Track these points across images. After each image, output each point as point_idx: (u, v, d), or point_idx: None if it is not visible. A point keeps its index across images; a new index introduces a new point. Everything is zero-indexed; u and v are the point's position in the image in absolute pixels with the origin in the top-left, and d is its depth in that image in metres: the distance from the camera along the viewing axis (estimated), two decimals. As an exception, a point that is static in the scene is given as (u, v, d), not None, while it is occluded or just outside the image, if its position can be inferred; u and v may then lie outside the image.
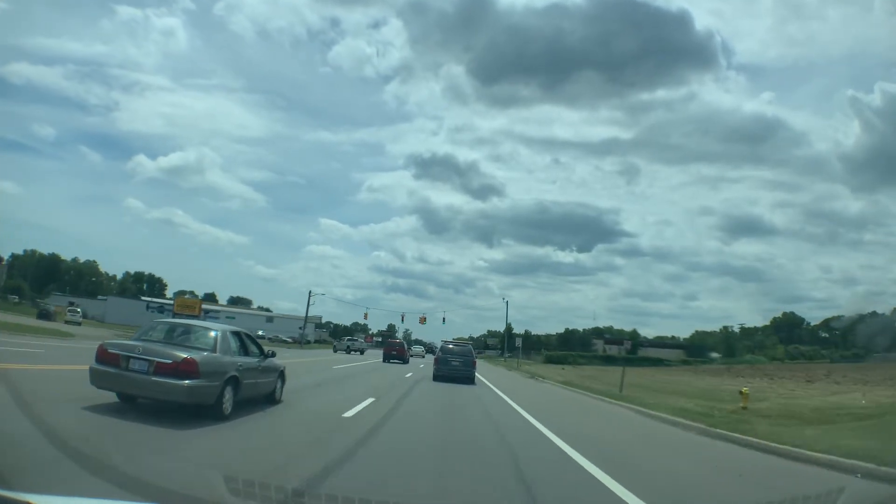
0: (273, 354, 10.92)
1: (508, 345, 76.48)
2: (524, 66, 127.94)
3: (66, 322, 45.72)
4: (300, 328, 72.33)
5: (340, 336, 70.65)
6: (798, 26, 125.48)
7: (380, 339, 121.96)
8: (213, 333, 9.14)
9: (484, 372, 33.17)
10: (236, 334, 9.84)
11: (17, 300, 73.89)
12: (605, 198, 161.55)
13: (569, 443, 9.17)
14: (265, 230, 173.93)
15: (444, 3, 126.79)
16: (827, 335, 77.40)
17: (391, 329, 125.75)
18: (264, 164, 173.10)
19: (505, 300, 74.54)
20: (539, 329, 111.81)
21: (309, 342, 74.77)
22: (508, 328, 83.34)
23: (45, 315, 47.65)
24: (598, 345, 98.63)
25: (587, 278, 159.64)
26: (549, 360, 71.50)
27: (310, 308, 70.60)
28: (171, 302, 68.49)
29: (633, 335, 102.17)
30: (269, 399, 10.71)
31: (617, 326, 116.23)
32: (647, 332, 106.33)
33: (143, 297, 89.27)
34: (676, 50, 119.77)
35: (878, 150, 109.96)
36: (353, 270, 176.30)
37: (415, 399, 15.25)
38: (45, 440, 5.79)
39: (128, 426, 7.33)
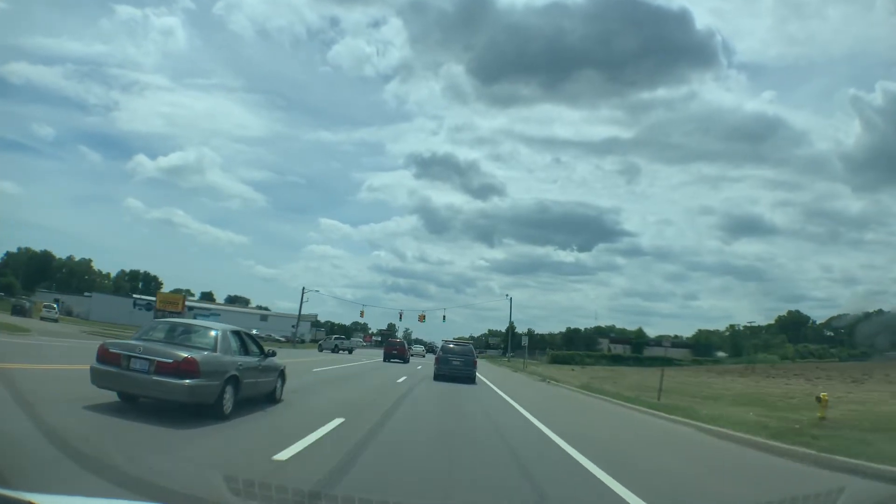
0: (273, 354, 11.13)
1: (512, 344, 76.33)
2: (524, 65, 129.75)
3: (42, 318, 45.78)
4: (293, 326, 70.60)
5: (337, 335, 67.90)
6: (799, 25, 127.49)
7: (379, 339, 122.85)
8: (213, 333, 9.35)
9: (488, 374, 32.15)
10: (236, 334, 10.06)
11: (1, 296, 74.11)
12: (605, 197, 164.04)
13: (635, 490, 6.30)
14: (265, 230, 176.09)
15: (443, 3, 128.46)
16: (832, 334, 77.61)
17: (391, 328, 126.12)
18: (264, 164, 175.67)
19: (508, 297, 73.94)
20: (540, 328, 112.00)
21: (303, 341, 74.68)
22: (511, 327, 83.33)
23: (19, 311, 47.26)
24: (604, 344, 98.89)
25: (588, 278, 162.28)
26: (555, 360, 70.31)
27: (310, 308, 70.76)
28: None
29: (639, 334, 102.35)
30: (270, 398, 10.95)
31: (618, 326, 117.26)
32: (649, 332, 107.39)
33: (134, 295, 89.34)
34: (677, 49, 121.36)
35: (879, 150, 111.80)
36: (354, 270, 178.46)
37: (404, 418, 11.16)
38: (45, 440, 5.91)
39: (128, 425, 7.50)
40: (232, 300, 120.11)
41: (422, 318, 58.30)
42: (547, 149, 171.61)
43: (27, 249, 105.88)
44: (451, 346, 26.16)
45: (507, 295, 75.08)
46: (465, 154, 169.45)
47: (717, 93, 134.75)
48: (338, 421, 9.32)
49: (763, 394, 24.56)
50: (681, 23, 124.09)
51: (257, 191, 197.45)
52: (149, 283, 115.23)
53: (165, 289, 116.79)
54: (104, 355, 8.36)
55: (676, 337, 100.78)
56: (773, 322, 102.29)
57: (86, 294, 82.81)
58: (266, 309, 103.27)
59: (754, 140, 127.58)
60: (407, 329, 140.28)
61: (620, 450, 9.94)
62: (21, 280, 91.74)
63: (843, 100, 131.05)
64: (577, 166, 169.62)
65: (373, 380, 22.09)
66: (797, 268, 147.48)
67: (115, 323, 54.19)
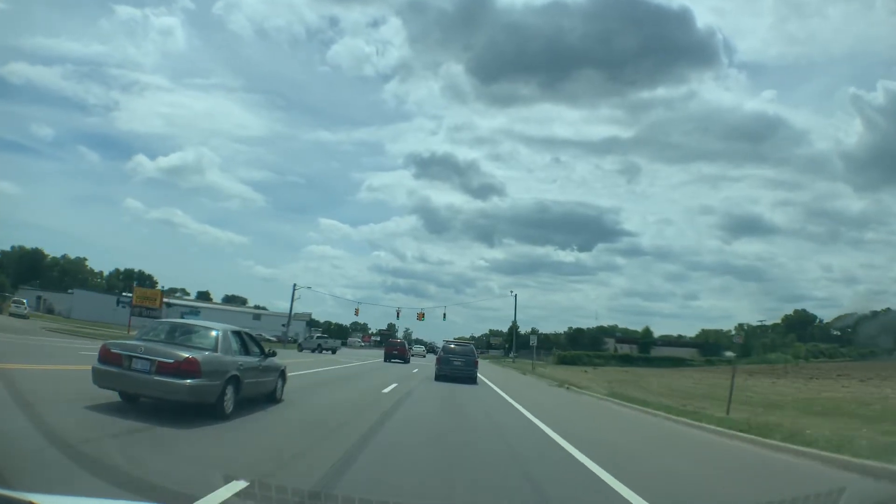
0: (274, 354, 11.45)
1: (516, 344, 76.19)
2: (524, 64, 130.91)
3: (11, 315, 45.94)
4: (283, 325, 68.52)
5: (320, 334, 65.49)
6: (799, 24, 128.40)
7: (378, 339, 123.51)
8: (214, 333, 9.65)
9: (494, 377, 30.07)
10: (237, 334, 10.38)
11: None
12: (605, 197, 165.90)
13: None
14: (265, 230, 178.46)
15: (443, 2, 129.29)
16: (838, 333, 77.83)
17: (391, 328, 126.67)
18: (264, 164, 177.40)
19: (513, 294, 70.92)
20: (540, 328, 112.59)
21: (295, 341, 74.66)
22: (514, 326, 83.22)
23: None
24: (609, 344, 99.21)
25: (588, 278, 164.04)
26: (562, 361, 68.79)
27: (309, 307, 70.81)
28: (169, 302, 68.89)
29: (646, 333, 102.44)
30: (271, 398, 11.27)
31: (620, 326, 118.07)
32: (636, 329, 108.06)
33: (122, 293, 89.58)
34: (677, 48, 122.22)
35: (879, 149, 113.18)
36: (354, 270, 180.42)
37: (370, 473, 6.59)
38: (45, 439, 6.16)
39: (129, 425, 7.73)
40: (229, 300, 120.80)
41: (420, 317, 58.28)
42: (546, 148, 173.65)
43: (20, 248, 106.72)
44: (453, 346, 26.76)
45: (511, 292, 73.50)
46: (464, 154, 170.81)
47: (717, 92, 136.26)
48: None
49: (827, 399, 21.92)
50: (681, 22, 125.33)
51: (257, 191, 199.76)
52: (143, 282, 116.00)
53: (160, 288, 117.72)
54: (106, 355, 8.65)
55: (680, 336, 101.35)
56: (779, 321, 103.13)
57: (69, 291, 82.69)
58: (263, 308, 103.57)
59: (755, 139, 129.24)
60: (407, 329, 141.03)
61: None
62: (11, 278, 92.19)
63: (843, 99, 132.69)
64: (576, 166, 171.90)
65: (345, 391, 16.97)
66: (797, 267, 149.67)
67: (96, 321, 53.29)
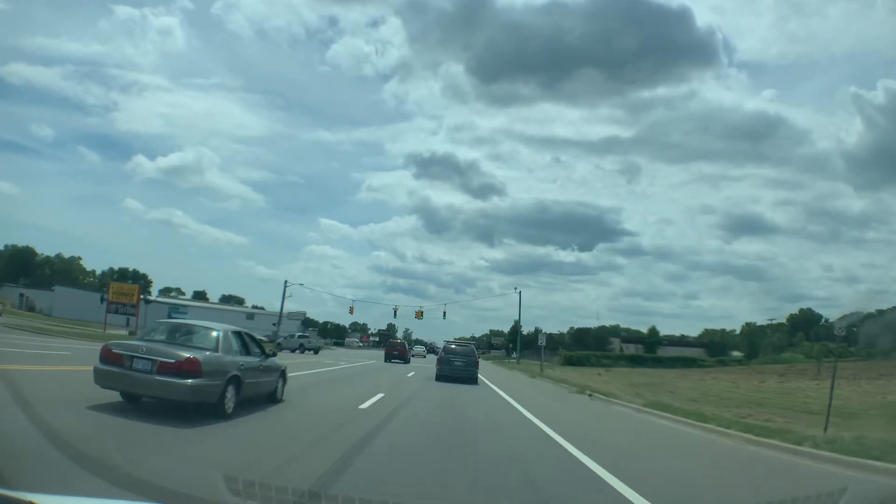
0: (274, 354, 11.73)
1: (518, 344, 75.82)
2: (524, 64, 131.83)
3: None
4: (273, 324, 66.38)
5: (301, 333, 62.51)
6: (799, 23, 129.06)
7: (377, 339, 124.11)
8: (215, 333, 9.90)
9: (502, 382, 27.75)
10: (238, 334, 10.64)
11: None
12: (605, 197, 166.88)
13: None
14: (264, 230, 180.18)
15: (442, 2, 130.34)
16: (843, 332, 78.12)
17: (390, 328, 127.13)
18: (263, 164, 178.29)
19: (517, 291, 68.53)
20: (541, 328, 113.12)
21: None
22: (517, 326, 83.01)
23: None
24: (614, 343, 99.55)
25: (588, 278, 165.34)
26: (568, 362, 67.05)
27: (309, 307, 70.63)
28: (148, 298, 68.60)
29: (652, 333, 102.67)
30: (271, 398, 11.54)
31: (622, 326, 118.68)
32: (641, 329, 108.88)
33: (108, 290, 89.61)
34: (677, 47, 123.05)
35: (880, 148, 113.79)
36: (353, 270, 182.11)
37: None
38: (46, 439, 6.30)
39: (130, 425, 7.97)
40: (226, 300, 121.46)
41: (419, 315, 57.93)
42: (547, 148, 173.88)
43: (13, 247, 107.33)
44: (453, 346, 27.22)
45: (515, 289, 72.07)
46: (464, 154, 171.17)
47: (717, 91, 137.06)
48: None
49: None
50: (681, 21, 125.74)
51: (256, 191, 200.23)
52: (138, 281, 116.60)
53: (155, 288, 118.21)
54: (107, 356, 8.89)
55: (683, 336, 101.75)
56: (784, 321, 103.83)
57: (54, 288, 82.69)
58: (261, 308, 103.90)
59: (755, 139, 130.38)
60: (407, 329, 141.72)
61: None
62: (1, 276, 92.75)
63: (844, 98, 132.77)
64: (577, 166, 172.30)
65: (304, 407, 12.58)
66: (798, 267, 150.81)
67: (78, 319, 52.28)
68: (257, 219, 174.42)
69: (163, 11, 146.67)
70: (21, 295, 76.64)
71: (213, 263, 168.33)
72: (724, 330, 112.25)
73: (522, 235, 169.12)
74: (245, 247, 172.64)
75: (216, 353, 9.41)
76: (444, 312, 61.19)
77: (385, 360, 42.88)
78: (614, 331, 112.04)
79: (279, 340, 53.14)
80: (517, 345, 71.65)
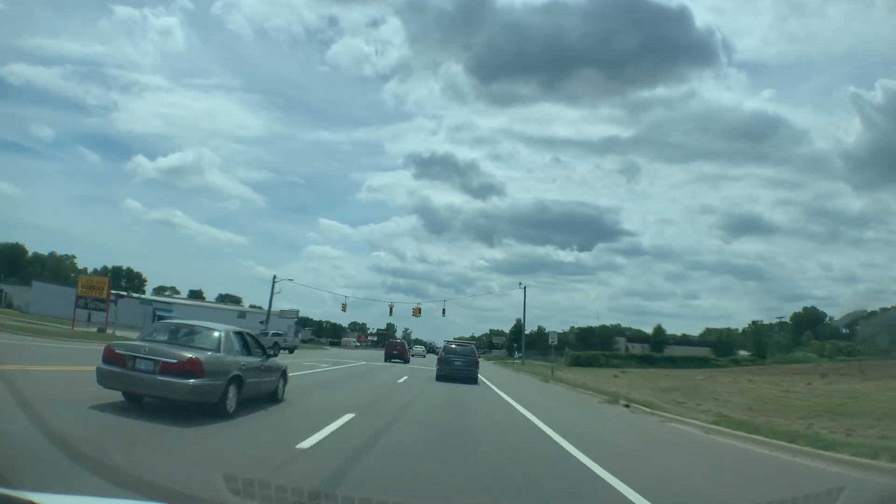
0: (276, 354, 12.04)
1: (520, 343, 75.29)
2: (524, 64, 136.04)
3: None
4: (261, 322, 64.66)
5: (276, 331, 60.58)
6: (799, 23, 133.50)
7: (376, 339, 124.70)
8: (216, 334, 10.24)
9: (512, 388, 24.71)
10: (239, 334, 10.99)
11: None
12: (605, 196, 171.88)
13: None
14: (265, 230, 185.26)
15: (442, 2, 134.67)
16: (847, 331, 78.51)
17: (389, 328, 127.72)
18: (263, 164, 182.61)
19: (522, 286, 67.11)
20: (542, 328, 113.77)
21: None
22: (519, 325, 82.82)
23: None
24: (620, 343, 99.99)
25: (588, 277, 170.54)
26: (576, 362, 65.76)
27: (309, 308, 70.29)
28: (121, 293, 67.40)
29: (658, 332, 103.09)
30: (272, 398, 11.90)
31: (623, 325, 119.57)
32: (651, 331, 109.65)
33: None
34: (677, 47, 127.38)
35: (879, 148, 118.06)
36: (354, 271, 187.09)
37: None
38: (47, 439, 6.42)
39: (132, 424, 8.24)
40: (223, 299, 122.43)
41: (417, 312, 57.70)
42: (546, 148, 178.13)
43: (2, 244, 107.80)
44: (454, 346, 27.83)
45: (520, 284, 70.66)
46: (464, 154, 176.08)
47: (716, 91, 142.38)
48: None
49: None
50: (680, 21, 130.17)
51: (256, 191, 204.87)
52: (132, 279, 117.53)
53: (150, 286, 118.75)
54: (110, 356, 9.22)
55: (685, 335, 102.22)
56: (788, 320, 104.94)
57: (32, 284, 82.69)
58: (258, 308, 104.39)
59: (754, 139, 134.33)
60: (406, 329, 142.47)
61: None
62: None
63: (843, 98, 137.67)
64: (576, 166, 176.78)
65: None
66: (798, 267, 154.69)
67: (56, 316, 50.51)
68: (257, 219, 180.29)
69: (163, 11, 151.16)
70: (0, 291, 76.88)
71: (213, 263, 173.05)
72: (729, 329, 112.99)
73: (522, 235, 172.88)
74: (245, 247, 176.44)
75: (218, 354, 9.73)
76: (444, 310, 61.10)
77: (385, 360, 43.66)
78: (616, 330, 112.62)
79: None
80: (521, 344, 70.72)
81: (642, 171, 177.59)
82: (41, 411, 7.78)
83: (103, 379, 9.21)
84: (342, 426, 10.01)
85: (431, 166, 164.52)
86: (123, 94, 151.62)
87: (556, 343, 46.14)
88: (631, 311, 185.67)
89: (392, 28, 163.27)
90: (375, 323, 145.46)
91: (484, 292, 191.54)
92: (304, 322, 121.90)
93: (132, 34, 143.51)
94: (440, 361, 26.44)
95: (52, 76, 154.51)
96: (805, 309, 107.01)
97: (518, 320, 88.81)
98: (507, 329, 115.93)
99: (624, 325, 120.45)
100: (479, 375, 26.91)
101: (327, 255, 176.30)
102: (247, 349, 10.91)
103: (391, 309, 59.46)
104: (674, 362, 71.38)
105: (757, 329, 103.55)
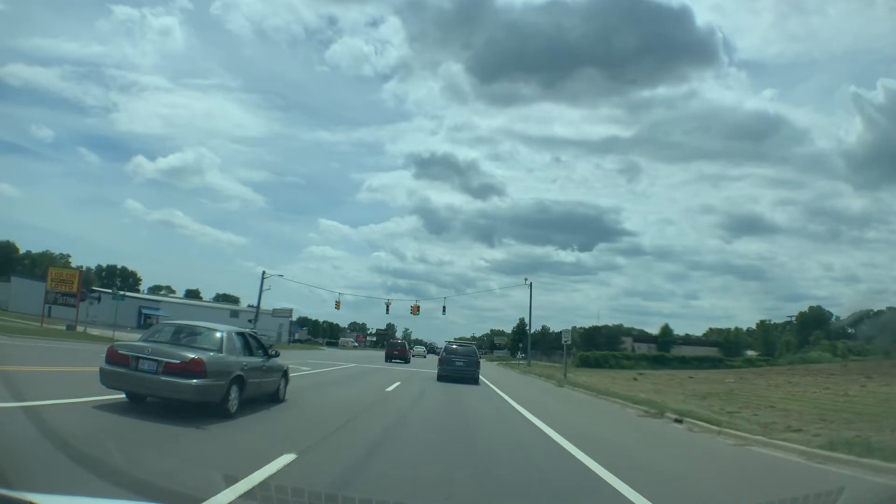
0: (277, 355, 12.37)
1: (523, 343, 74.83)
2: (524, 63, 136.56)
3: None
4: (249, 320, 62.71)
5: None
6: (799, 22, 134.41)
7: (374, 339, 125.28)
8: (218, 334, 10.56)
9: (519, 392, 23.35)
10: (241, 335, 11.32)
11: None
12: (605, 196, 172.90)
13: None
14: (265, 231, 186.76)
15: (442, 1, 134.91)
16: (853, 330, 78.85)
17: (389, 328, 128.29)
18: (263, 165, 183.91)
19: (528, 282, 64.35)
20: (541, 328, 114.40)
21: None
22: (522, 324, 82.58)
23: None
24: (626, 343, 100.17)
25: (588, 278, 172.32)
26: (585, 363, 64.07)
27: (309, 308, 70.01)
28: (107, 291, 67.89)
29: (665, 332, 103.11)
30: (274, 398, 12.23)
31: (625, 325, 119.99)
32: (651, 331, 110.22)
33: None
34: (677, 46, 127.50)
35: (880, 147, 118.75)
36: (354, 271, 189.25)
37: None
38: (48, 440, 6.61)
39: (135, 424, 8.50)
40: (220, 298, 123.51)
41: (415, 310, 57.53)
42: (547, 148, 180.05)
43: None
44: (455, 346, 28.25)
45: (525, 279, 69.33)
46: (464, 154, 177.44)
47: (717, 91, 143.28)
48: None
49: None
50: (681, 20, 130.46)
51: (256, 191, 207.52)
52: (127, 278, 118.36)
53: (145, 285, 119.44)
54: (113, 357, 9.53)
55: (687, 335, 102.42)
56: (793, 319, 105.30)
57: (11, 279, 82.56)
58: (253, 307, 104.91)
59: (755, 138, 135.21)
60: (406, 329, 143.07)
61: None
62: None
63: (844, 97, 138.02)
64: (577, 166, 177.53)
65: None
66: (798, 266, 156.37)
67: (33, 313, 47.84)
68: (257, 219, 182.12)
69: (162, 11, 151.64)
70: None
71: (213, 263, 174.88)
72: (738, 329, 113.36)
73: (522, 235, 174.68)
74: (245, 247, 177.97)
75: (220, 354, 10.04)
76: (444, 307, 60.55)
77: (386, 361, 44.23)
78: (622, 330, 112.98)
79: None
80: (527, 344, 68.65)
81: (643, 170, 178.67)
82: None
83: (107, 379, 9.51)
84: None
85: (431, 166, 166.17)
86: (123, 95, 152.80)
87: (569, 342, 43.14)
88: (631, 311, 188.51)
89: (391, 27, 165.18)
90: (375, 323, 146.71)
91: (483, 293, 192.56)
92: (302, 322, 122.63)
93: (131, 34, 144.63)
94: (441, 362, 26.95)
95: (51, 76, 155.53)
96: (811, 308, 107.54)
97: (521, 319, 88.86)
98: (508, 329, 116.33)
99: (625, 325, 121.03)
100: (486, 380, 27.26)
101: (328, 255, 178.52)
102: (249, 349, 11.21)
103: (388, 306, 59.31)
104: (686, 363, 70.48)
105: (765, 329, 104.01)
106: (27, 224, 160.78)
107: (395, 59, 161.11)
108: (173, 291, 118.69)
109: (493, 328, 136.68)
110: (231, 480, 5.59)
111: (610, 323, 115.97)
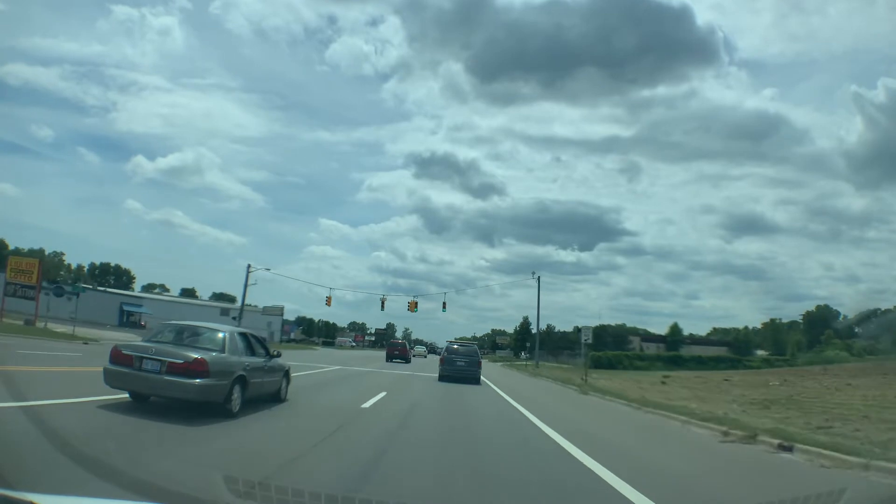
0: (279, 355, 12.74)
1: (527, 343, 73.79)
2: (524, 63, 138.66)
3: None
4: (233, 318, 60.86)
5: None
6: (799, 21, 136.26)
7: (373, 339, 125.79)
8: (221, 335, 10.91)
9: (534, 401, 19.73)
10: (243, 335, 11.68)
11: None
12: (606, 196, 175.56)
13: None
14: (265, 231, 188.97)
15: (442, 1, 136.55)
16: (860, 329, 79.12)
17: (390, 328, 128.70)
18: (263, 165, 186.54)
19: (536, 276, 60.25)
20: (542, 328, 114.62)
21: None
22: (525, 323, 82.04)
23: None
24: (634, 342, 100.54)
25: (589, 277, 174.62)
26: (597, 364, 58.89)
27: (309, 308, 69.55)
28: (89, 287, 66.84)
29: (674, 331, 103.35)
30: (275, 398, 12.60)
31: (627, 325, 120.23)
32: (652, 331, 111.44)
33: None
34: (677, 46, 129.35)
35: (881, 147, 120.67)
36: (354, 271, 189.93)
37: None
38: (49, 440, 6.77)
39: (138, 423, 8.78)
40: (217, 298, 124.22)
41: (413, 307, 57.54)
42: (547, 148, 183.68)
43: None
44: (456, 346, 28.65)
45: (533, 274, 65.90)
46: (464, 153, 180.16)
47: (717, 90, 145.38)
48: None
49: None
50: (681, 19, 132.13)
51: (256, 191, 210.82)
52: (120, 276, 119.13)
53: (139, 284, 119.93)
54: (117, 357, 9.87)
55: (691, 335, 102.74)
56: (799, 319, 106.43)
57: None
58: (254, 306, 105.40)
59: (755, 138, 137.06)
60: (406, 329, 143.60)
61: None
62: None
63: (844, 97, 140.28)
64: (577, 165, 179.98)
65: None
66: (799, 266, 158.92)
67: (13, 310, 44.23)
68: (257, 219, 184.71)
69: (161, 11, 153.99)
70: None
71: (213, 263, 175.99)
72: (747, 328, 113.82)
73: (523, 235, 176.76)
74: (245, 247, 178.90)
75: (223, 354, 10.38)
76: (444, 304, 60.32)
77: (387, 361, 44.76)
78: (630, 329, 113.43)
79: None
80: (535, 344, 63.92)
81: (643, 170, 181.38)
82: None
83: (110, 379, 9.85)
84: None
85: (431, 166, 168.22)
86: (122, 95, 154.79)
87: (590, 341, 39.48)
88: (632, 311, 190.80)
89: (391, 27, 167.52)
90: (375, 322, 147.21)
91: (483, 293, 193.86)
92: (300, 321, 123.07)
93: (131, 34, 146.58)
94: (443, 362, 27.37)
95: (51, 76, 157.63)
96: (818, 307, 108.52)
97: (525, 318, 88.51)
98: (509, 329, 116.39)
99: (627, 325, 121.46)
100: (491, 384, 27.40)
101: (328, 255, 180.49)
102: (251, 350, 11.57)
103: (382, 303, 59.18)
104: (703, 363, 69.52)
105: (775, 328, 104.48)
106: (27, 224, 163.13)
107: (395, 59, 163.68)
108: (167, 290, 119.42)
109: (494, 328, 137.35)
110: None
111: (611, 322, 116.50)
